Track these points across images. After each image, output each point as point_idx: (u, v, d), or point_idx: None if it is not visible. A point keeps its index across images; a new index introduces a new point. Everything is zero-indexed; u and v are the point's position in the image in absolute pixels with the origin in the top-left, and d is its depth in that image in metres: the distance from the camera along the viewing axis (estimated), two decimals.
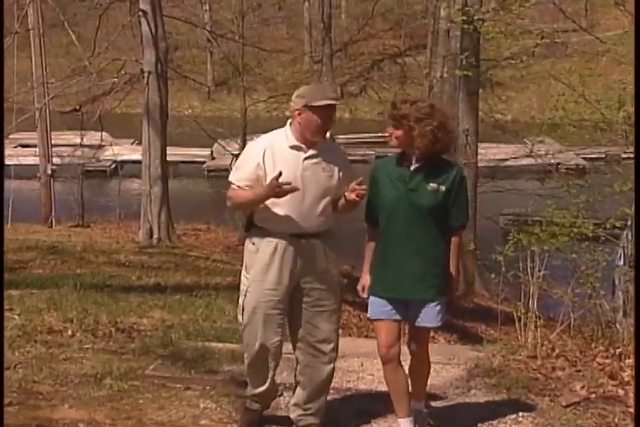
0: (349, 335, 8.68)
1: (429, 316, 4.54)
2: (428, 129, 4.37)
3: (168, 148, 15.88)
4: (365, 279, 4.70)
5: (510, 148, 21.25)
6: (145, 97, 15.17)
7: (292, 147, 4.54)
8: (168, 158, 15.97)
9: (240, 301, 4.71)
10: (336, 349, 4.77)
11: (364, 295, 4.69)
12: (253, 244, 4.64)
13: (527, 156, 16.91)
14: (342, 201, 4.59)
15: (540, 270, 6.95)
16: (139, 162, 16.78)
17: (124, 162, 24.54)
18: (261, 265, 4.59)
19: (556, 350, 6.28)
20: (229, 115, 33.89)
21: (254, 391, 4.89)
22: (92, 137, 19.44)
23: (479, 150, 14.34)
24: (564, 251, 9.03)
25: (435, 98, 17.30)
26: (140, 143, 18.07)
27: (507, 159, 19.41)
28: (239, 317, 4.74)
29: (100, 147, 21.51)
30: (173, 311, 8.19)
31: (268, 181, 4.45)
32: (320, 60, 39.03)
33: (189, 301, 8.89)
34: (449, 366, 6.09)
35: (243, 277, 4.72)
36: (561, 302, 7.79)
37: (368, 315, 4.75)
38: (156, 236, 15.30)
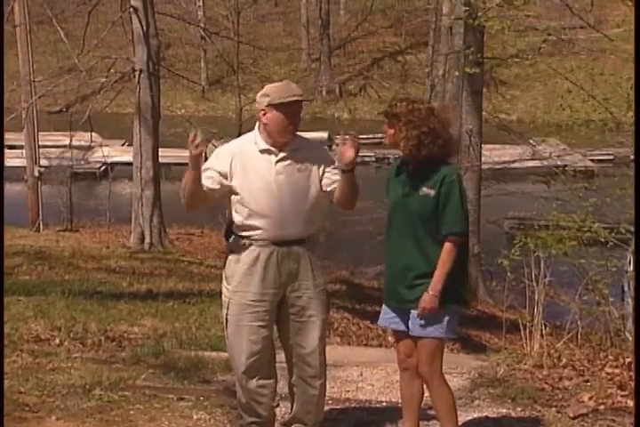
0: (348, 344, 8.68)
1: (421, 325, 4.45)
2: (414, 133, 4.34)
3: (160, 149, 15.89)
4: None
5: (515, 149, 21.27)
6: (136, 96, 15.19)
7: (263, 151, 4.49)
8: (160, 160, 15.98)
9: (223, 313, 4.66)
10: (324, 360, 4.72)
11: None
12: (233, 253, 4.58)
13: (533, 158, 16.93)
14: (338, 185, 4.50)
15: (546, 276, 6.95)
16: (130, 164, 16.78)
17: (114, 164, 24.50)
18: (242, 275, 4.54)
19: (563, 360, 6.28)
20: (224, 115, 33.93)
21: (249, 420, 4.80)
22: (82, 138, 19.45)
23: (483, 152, 14.34)
24: (571, 256, 9.02)
25: (437, 97, 17.31)
26: (130, 144, 18.06)
27: (511, 161, 19.40)
28: (224, 331, 4.71)
29: (89, 148, 21.53)
30: (165, 319, 8.19)
31: (239, 186, 4.43)
32: (318, 58, 39.08)
33: (182, 308, 8.89)
34: (451, 376, 6.07)
35: (223, 289, 4.65)
36: (568, 310, 7.79)
37: None
38: (147, 240, 15.31)
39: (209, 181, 4.47)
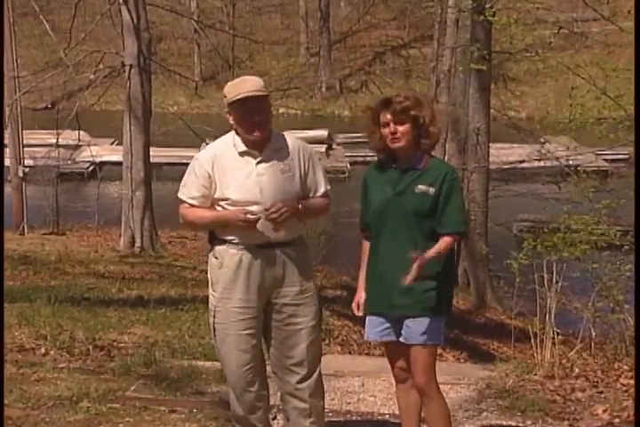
0: (349, 353, 8.69)
1: (417, 332, 4.43)
2: (433, 114, 4.48)
3: (151, 148, 15.90)
4: (360, 296, 4.64)
5: (524, 148, 21.26)
6: (126, 92, 15.20)
7: (242, 153, 4.51)
8: (151, 160, 15.99)
9: (210, 321, 4.66)
10: (312, 373, 4.67)
11: (359, 313, 4.64)
12: (216, 258, 4.58)
13: (543, 157, 16.92)
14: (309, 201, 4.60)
15: (557, 282, 6.94)
16: (119, 164, 16.78)
17: (103, 163, 24.48)
18: (226, 281, 4.53)
19: (576, 370, 6.27)
20: (218, 112, 33.69)
21: None
22: (69, 136, 19.40)
23: (491, 151, 14.34)
24: (583, 260, 9.01)
25: (442, 93, 17.33)
26: (120, 143, 18.07)
27: (520, 161, 19.41)
28: (212, 340, 4.71)
29: (76, 147, 21.47)
30: (157, 327, 8.19)
31: (219, 193, 4.47)
32: (317, 53, 39.12)
33: (175, 315, 8.89)
34: (458, 387, 6.08)
35: (210, 295, 4.66)
36: (581, 317, 7.79)
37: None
38: (138, 244, 15.31)
39: (202, 199, 4.53)
